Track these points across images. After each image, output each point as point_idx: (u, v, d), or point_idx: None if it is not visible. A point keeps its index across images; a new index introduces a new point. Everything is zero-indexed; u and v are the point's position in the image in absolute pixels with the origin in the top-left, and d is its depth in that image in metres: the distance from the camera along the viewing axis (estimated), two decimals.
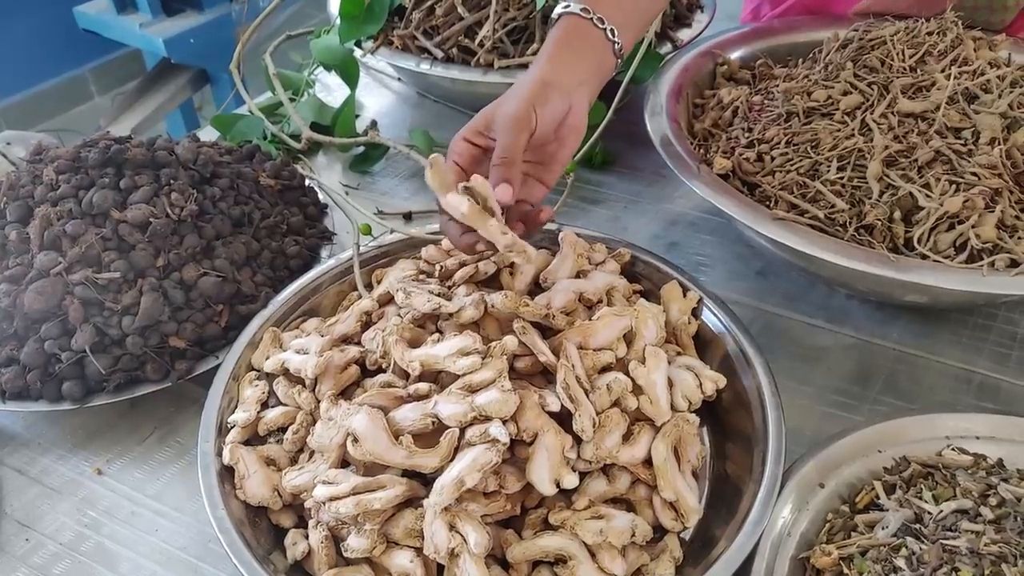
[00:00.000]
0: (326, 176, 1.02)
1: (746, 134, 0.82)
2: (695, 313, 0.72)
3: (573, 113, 0.67)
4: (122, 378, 0.69)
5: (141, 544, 0.63)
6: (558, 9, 0.72)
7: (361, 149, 1.05)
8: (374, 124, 1.09)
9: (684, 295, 0.72)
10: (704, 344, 0.71)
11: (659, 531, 0.59)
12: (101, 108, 2.50)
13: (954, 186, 0.70)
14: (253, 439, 0.64)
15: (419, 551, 0.55)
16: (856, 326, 0.79)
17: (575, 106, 0.67)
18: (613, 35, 0.71)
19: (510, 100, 0.64)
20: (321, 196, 0.90)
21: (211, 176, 0.80)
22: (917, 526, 0.54)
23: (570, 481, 0.56)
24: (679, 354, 0.68)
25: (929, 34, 0.83)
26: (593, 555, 0.55)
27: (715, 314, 0.71)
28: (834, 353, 0.76)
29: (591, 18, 0.70)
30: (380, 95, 1.21)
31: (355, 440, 0.56)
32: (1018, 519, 0.51)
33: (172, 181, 0.76)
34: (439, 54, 1.00)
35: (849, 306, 0.81)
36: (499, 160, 0.62)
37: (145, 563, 0.62)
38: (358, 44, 1.05)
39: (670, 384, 0.63)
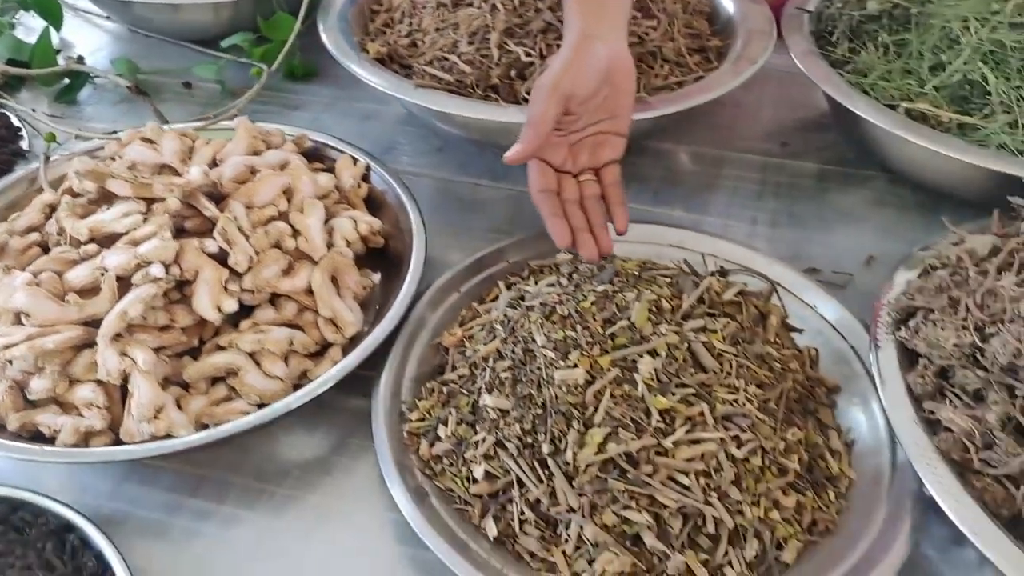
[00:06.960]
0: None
1: (408, 27, 0.94)
2: (366, 179, 0.83)
3: (617, 56, 0.70)
4: None
5: None
6: None
7: (66, 82, 1.07)
8: (80, 59, 1.11)
9: (355, 164, 0.83)
10: (378, 205, 0.82)
11: (327, 345, 0.70)
12: None
13: (556, 46, 0.85)
14: None
15: (100, 383, 0.62)
16: (513, 181, 0.93)
17: (615, 51, 0.70)
18: None
19: (551, 68, 0.69)
20: (15, 120, 0.93)
21: None
22: (520, 302, 0.69)
23: (229, 305, 0.65)
24: (347, 210, 0.79)
25: None
26: (259, 364, 0.65)
27: (381, 177, 0.83)
28: (492, 204, 0.90)
29: None
30: (92, 34, 1.22)
31: (26, 316, 0.62)
32: (581, 278, 0.67)
33: None
34: None
35: (508, 167, 0.95)
36: (528, 129, 0.70)
37: None
38: None
39: (331, 230, 0.74)
